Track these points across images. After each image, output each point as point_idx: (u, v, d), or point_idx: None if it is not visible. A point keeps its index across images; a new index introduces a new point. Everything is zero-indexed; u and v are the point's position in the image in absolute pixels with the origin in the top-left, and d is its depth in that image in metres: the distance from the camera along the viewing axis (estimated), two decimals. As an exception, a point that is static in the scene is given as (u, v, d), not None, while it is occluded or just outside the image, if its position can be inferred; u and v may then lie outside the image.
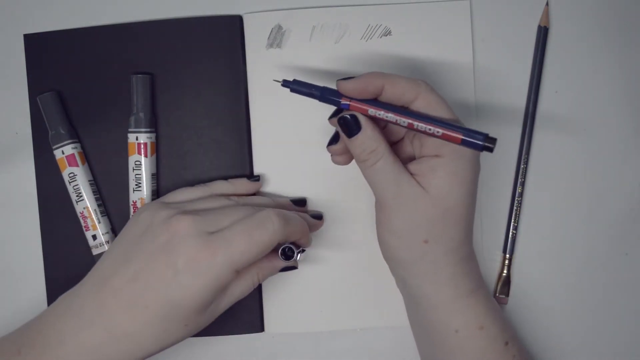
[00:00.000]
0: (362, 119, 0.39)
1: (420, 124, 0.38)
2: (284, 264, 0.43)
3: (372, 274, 0.48)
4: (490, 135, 0.37)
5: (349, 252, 0.48)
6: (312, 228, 0.45)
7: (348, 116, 0.39)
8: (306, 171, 0.48)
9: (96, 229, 0.47)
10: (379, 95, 0.39)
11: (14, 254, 0.48)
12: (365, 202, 0.47)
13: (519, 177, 0.48)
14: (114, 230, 0.48)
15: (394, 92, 0.38)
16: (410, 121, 0.38)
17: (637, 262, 0.48)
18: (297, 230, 0.41)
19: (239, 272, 0.39)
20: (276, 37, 0.48)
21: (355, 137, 0.39)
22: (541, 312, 0.48)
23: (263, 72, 0.48)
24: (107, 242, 0.47)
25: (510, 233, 0.48)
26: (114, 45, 0.48)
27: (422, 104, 0.38)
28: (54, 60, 0.48)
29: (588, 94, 0.49)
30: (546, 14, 0.48)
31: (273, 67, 0.48)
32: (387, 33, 0.48)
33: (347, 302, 0.47)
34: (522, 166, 0.48)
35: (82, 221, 0.47)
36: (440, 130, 0.37)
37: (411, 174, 0.39)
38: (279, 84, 0.41)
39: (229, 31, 0.48)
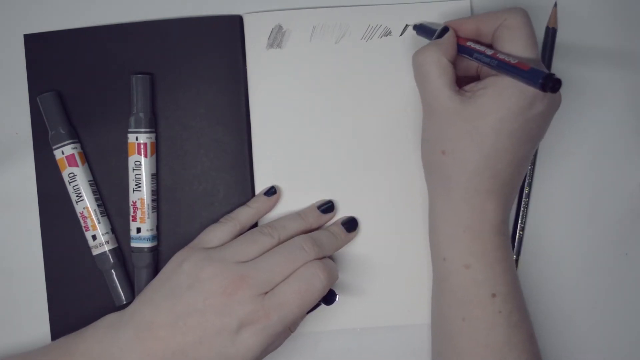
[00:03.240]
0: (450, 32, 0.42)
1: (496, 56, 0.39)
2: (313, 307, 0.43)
3: (372, 273, 0.48)
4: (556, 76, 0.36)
5: (348, 251, 0.48)
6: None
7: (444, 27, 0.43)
8: (306, 171, 0.48)
9: (96, 229, 0.47)
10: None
11: (14, 254, 0.48)
12: (364, 202, 0.47)
13: (526, 178, 0.48)
14: (114, 230, 0.48)
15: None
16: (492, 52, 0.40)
17: (637, 262, 0.48)
18: (336, 277, 0.43)
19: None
20: (276, 37, 0.48)
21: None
22: (545, 312, 0.48)
23: (263, 72, 0.48)
24: (107, 242, 0.47)
25: (517, 234, 0.48)
26: (114, 45, 0.48)
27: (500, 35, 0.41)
28: (54, 60, 0.48)
29: (588, 94, 0.49)
30: (554, 15, 0.48)
31: (273, 67, 0.48)
32: (388, 33, 0.48)
33: (347, 302, 0.47)
34: (530, 167, 0.48)
35: (82, 221, 0.47)
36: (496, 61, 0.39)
37: (465, 91, 0.40)
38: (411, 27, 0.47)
39: (229, 31, 0.48)
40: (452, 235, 0.42)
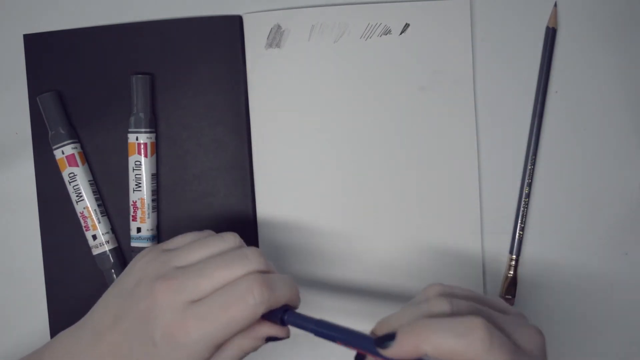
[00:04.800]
0: None
1: None
2: (275, 332, 0.37)
3: (372, 275, 0.48)
4: None
5: (348, 253, 0.48)
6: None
7: None
8: (306, 171, 0.48)
9: (96, 229, 0.47)
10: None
11: (14, 254, 0.48)
12: (365, 204, 0.47)
13: (526, 177, 0.48)
14: (114, 230, 0.48)
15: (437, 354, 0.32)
16: None
17: (637, 262, 0.48)
18: (285, 295, 0.36)
19: (219, 346, 0.36)
20: (275, 37, 0.48)
21: None
22: (545, 312, 0.48)
23: (263, 72, 0.48)
24: (107, 242, 0.47)
25: (517, 234, 0.48)
26: (114, 45, 0.48)
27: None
28: (54, 60, 0.48)
29: (588, 94, 0.48)
30: (554, 15, 0.48)
31: (272, 67, 0.48)
32: (387, 32, 0.48)
33: (347, 303, 0.47)
34: (530, 167, 0.48)
35: (82, 221, 0.47)
36: None
37: None
38: None
39: (228, 31, 0.48)
40: None
